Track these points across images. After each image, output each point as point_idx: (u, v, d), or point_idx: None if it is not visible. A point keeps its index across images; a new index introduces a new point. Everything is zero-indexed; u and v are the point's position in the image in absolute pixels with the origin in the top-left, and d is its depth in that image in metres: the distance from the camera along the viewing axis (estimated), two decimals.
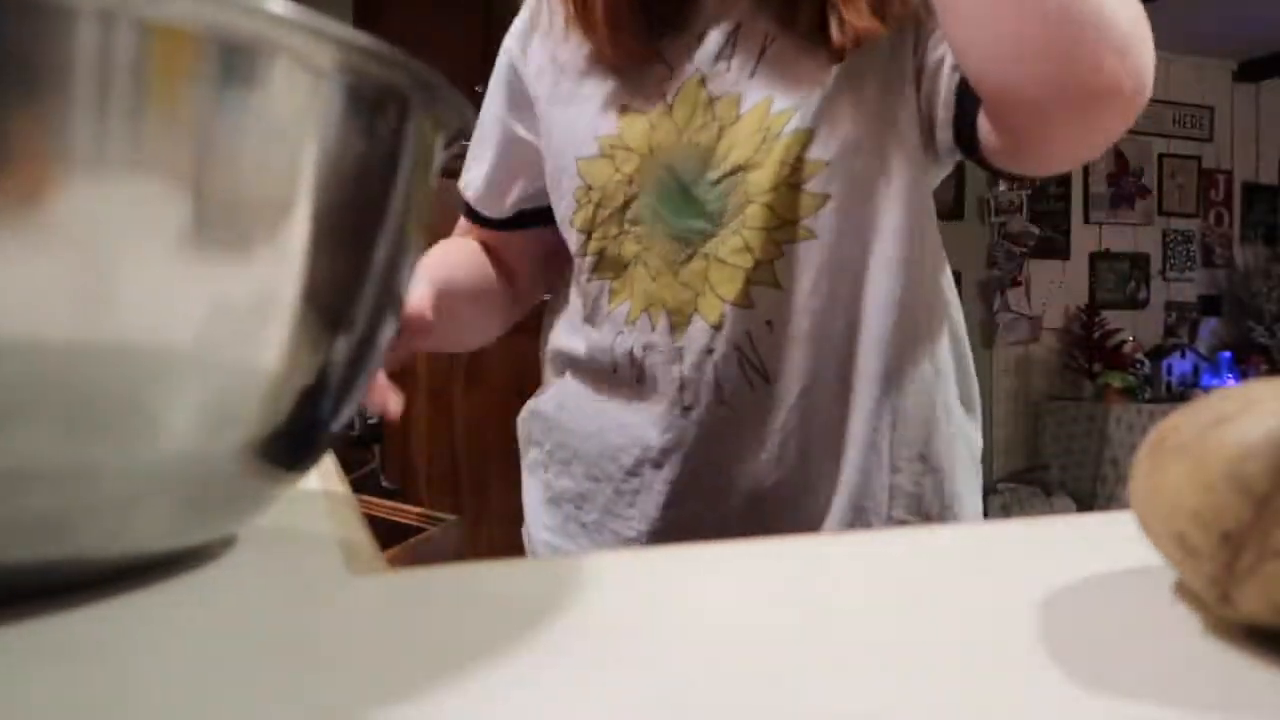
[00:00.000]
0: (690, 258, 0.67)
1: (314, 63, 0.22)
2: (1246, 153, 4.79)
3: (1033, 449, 4.30)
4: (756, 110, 0.65)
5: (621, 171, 0.69)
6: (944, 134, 0.66)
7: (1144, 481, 0.22)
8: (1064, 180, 4.40)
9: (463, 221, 0.83)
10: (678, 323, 0.67)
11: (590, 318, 0.72)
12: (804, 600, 0.24)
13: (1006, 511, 3.74)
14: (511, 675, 0.18)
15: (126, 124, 0.19)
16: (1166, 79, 4.54)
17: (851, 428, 0.66)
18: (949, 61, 0.64)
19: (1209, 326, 4.67)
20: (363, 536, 0.32)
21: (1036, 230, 4.25)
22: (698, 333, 0.66)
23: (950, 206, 4.02)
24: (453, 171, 0.72)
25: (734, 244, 0.65)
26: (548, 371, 0.80)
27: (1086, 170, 4.44)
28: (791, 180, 0.64)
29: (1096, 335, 4.24)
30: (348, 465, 0.85)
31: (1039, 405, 4.32)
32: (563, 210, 0.73)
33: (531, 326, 0.87)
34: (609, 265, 0.70)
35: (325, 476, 0.45)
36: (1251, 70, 4.65)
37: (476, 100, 0.65)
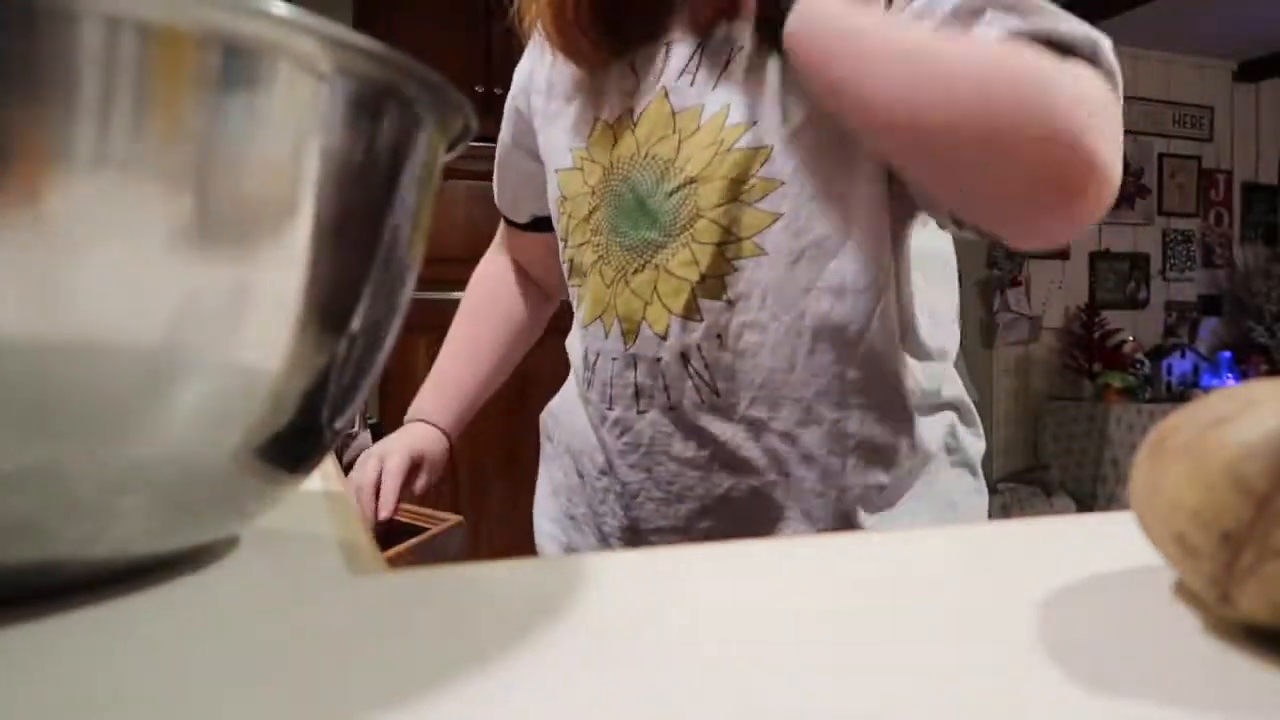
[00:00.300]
0: (642, 268, 0.67)
1: (315, 65, 0.22)
2: (1246, 153, 4.79)
3: (1033, 449, 4.30)
4: (714, 121, 0.65)
5: (587, 183, 0.71)
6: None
7: (1144, 481, 0.22)
8: None
9: (502, 224, 0.95)
10: (628, 330, 0.68)
11: (575, 321, 0.77)
12: (804, 600, 0.24)
13: (1006, 511, 3.74)
14: (511, 675, 0.18)
15: (128, 126, 0.19)
16: (1167, 79, 4.54)
17: (804, 442, 0.65)
18: None
19: (1209, 326, 4.67)
20: (363, 537, 0.32)
21: None
22: (645, 342, 0.67)
23: None
24: (454, 172, 0.72)
25: (683, 257, 0.65)
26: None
27: None
28: (741, 196, 0.63)
29: (1096, 335, 4.24)
30: (348, 466, 0.86)
31: (1039, 405, 4.32)
32: (553, 219, 0.78)
33: None
34: (576, 272, 0.74)
35: (326, 477, 0.45)
36: (1251, 70, 4.65)
37: (477, 101, 0.66)
